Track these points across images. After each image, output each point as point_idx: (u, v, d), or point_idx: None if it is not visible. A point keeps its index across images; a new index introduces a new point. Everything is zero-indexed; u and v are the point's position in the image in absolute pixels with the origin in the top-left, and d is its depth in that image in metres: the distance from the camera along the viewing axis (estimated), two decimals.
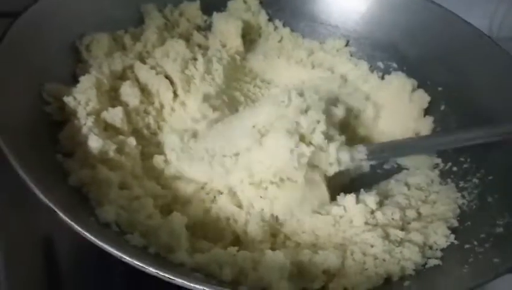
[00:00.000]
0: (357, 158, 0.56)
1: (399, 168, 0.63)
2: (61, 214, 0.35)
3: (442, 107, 0.66)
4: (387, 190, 0.58)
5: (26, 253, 0.51)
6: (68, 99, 0.50)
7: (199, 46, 0.68)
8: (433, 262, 0.47)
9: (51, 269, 0.51)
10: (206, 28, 0.72)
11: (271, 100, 0.55)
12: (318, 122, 0.53)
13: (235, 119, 0.57)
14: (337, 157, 0.53)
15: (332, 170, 0.54)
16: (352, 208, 0.50)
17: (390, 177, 0.62)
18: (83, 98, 0.51)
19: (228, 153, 0.51)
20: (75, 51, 0.59)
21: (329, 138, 0.54)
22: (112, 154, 0.47)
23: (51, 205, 0.35)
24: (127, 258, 0.33)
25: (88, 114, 0.50)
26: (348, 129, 0.64)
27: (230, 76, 0.66)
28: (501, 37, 0.93)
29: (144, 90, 0.58)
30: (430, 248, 0.49)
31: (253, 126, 0.52)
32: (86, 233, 0.34)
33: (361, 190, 0.55)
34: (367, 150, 0.57)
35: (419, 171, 0.61)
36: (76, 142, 0.48)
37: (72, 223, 0.35)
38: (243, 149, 0.51)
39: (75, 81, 0.55)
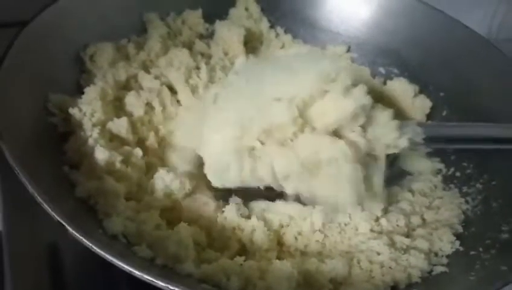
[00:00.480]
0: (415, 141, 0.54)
1: (402, 174, 0.63)
2: (71, 230, 0.35)
3: (444, 113, 0.66)
4: (391, 196, 0.58)
5: (31, 260, 0.51)
6: (73, 111, 0.51)
7: (202, 54, 0.68)
8: (439, 269, 0.47)
9: (55, 276, 0.51)
10: (208, 36, 0.72)
11: (314, 71, 0.50)
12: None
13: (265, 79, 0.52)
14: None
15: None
16: (357, 216, 0.51)
17: (394, 183, 0.63)
18: (88, 109, 0.51)
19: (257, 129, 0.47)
20: (79, 61, 0.60)
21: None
22: (118, 165, 0.48)
23: (61, 220, 0.35)
24: (136, 273, 0.34)
25: (94, 125, 0.50)
26: None
27: None
28: (500, 38, 0.94)
29: (148, 100, 0.58)
30: (436, 254, 0.49)
31: (290, 99, 0.48)
32: (95, 248, 0.34)
33: None
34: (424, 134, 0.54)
35: (423, 176, 0.61)
36: (82, 153, 0.48)
37: (82, 238, 0.35)
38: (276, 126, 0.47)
39: (79, 91, 0.55)
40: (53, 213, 0.36)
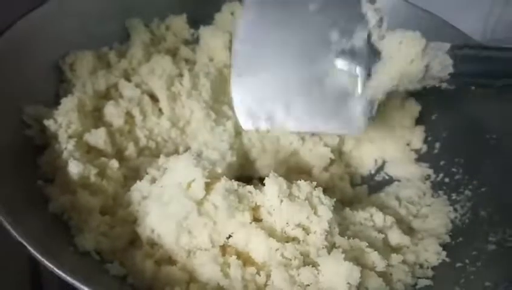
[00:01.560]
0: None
1: (390, 180, 0.62)
2: (31, 250, 0.34)
3: (434, 117, 0.65)
4: (378, 204, 0.57)
5: (12, 272, 0.50)
6: (48, 123, 0.50)
7: (186, 60, 0.67)
8: (423, 282, 0.46)
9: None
10: (194, 42, 0.71)
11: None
12: None
13: None
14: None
15: None
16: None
17: (382, 189, 0.62)
18: (64, 120, 0.50)
19: None
20: (58, 71, 0.58)
21: None
22: (93, 178, 0.46)
23: (20, 239, 0.34)
24: None
25: (69, 137, 0.49)
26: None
27: (218, 90, 0.65)
28: (495, 39, 0.92)
29: (128, 110, 0.57)
30: (421, 266, 0.48)
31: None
32: (54, 268, 0.33)
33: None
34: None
35: (411, 183, 0.60)
36: (56, 167, 0.47)
37: (40, 258, 0.34)
38: None
39: (58, 102, 0.54)
40: (13, 232, 0.35)
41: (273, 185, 0.44)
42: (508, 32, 0.93)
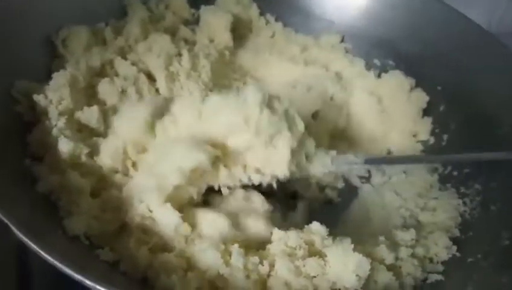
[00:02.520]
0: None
1: (396, 172, 0.60)
2: (14, 229, 0.31)
3: (442, 108, 0.62)
4: (385, 197, 0.54)
5: None
6: (38, 98, 0.46)
7: (185, 41, 0.64)
8: (434, 277, 0.44)
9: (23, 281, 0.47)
10: (194, 22, 0.68)
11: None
12: None
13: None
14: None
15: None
16: None
17: (388, 181, 0.59)
18: (55, 96, 0.47)
19: None
20: (52, 46, 0.55)
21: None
22: (84, 158, 0.43)
23: (4, 219, 0.31)
24: (88, 283, 0.29)
25: (60, 114, 0.46)
26: (340, 132, 0.62)
27: (218, 72, 0.62)
28: (500, 33, 0.90)
29: (124, 88, 0.54)
30: (431, 260, 0.46)
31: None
32: (40, 250, 0.30)
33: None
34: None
35: (417, 175, 0.58)
36: (46, 145, 0.44)
37: (28, 241, 0.31)
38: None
39: (50, 78, 0.51)
40: None
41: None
42: None
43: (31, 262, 0.48)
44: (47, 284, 0.48)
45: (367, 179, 0.60)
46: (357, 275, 0.38)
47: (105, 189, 0.43)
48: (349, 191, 0.59)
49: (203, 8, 0.66)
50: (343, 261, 0.38)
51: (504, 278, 0.39)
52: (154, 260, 0.38)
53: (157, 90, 0.56)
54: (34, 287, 0.48)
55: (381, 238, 0.44)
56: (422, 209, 0.53)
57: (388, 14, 0.68)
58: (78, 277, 0.30)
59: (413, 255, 0.44)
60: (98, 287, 0.29)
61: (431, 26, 0.66)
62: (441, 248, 0.46)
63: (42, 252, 0.30)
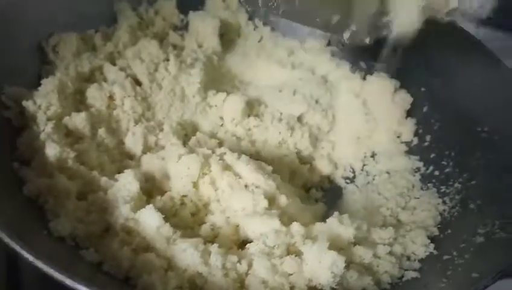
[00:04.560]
0: None
1: (380, 172, 0.61)
2: None
3: (425, 109, 0.64)
4: (367, 197, 0.55)
5: None
6: (27, 104, 0.48)
7: (174, 46, 0.66)
8: (410, 275, 0.45)
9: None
10: (183, 28, 0.69)
11: None
12: None
13: None
14: None
15: None
16: None
17: (371, 181, 0.61)
18: (43, 102, 0.49)
19: None
20: (42, 52, 0.57)
21: None
22: (70, 162, 0.45)
23: None
24: (68, 282, 0.31)
25: (48, 119, 0.48)
26: (324, 134, 0.63)
27: (206, 77, 0.64)
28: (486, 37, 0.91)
29: (111, 93, 0.55)
30: (408, 258, 0.47)
31: None
32: (23, 251, 0.31)
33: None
34: None
35: (400, 175, 0.59)
36: (34, 149, 0.45)
37: (9, 240, 0.32)
38: None
39: (40, 84, 0.52)
40: None
41: None
42: None
43: (22, 270, 0.50)
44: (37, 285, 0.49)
45: (351, 179, 0.62)
46: (332, 273, 0.39)
47: (91, 192, 0.44)
48: (334, 192, 0.60)
49: (191, 13, 0.67)
50: (319, 259, 0.39)
51: (474, 274, 0.40)
52: (136, 260, 0.39)
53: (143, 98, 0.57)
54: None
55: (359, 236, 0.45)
56: (402, 209, 0.54)
57: None
58: (58, 276, 0.31)
59: (390, 253, 0.46)
60: (78, 286, 0.31)
61: None
62: (418, 246, 0.47)
63: (24, 252, 0.31)
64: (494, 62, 0.60)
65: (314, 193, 0.58)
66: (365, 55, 0.69)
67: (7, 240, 0.32)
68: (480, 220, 0.47)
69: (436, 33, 0.64)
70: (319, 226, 0.44)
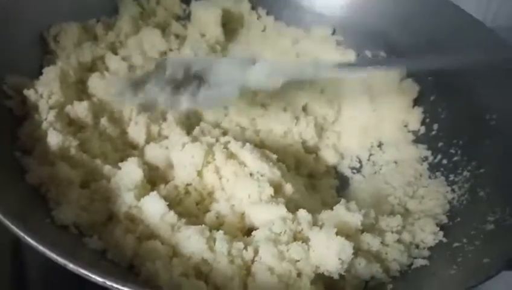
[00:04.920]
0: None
1: (387, 162, 0.60)
2: (2, 218, 0.32)
3: (432, 98, 0.63)
4: (374, 186, 0.55)
5: None
6: (29, 93, 0.47)
7: (177, 36, 0.65)
8: (419, 262, 0.44)
9: (18, 277, 0.48)
10: (185, 18, 0.68)
11: None
12: None
13: None
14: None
15: None
16: None
17: (378, 171, 0.60)
18: (45, 91, 0.48)
19: None
20: (43, 42, 0.56)
21: None
22: (73, 151, 0.44)
23: None
24: (72, 266, 0.30)
25: (50, 108, 0.47)
26: (329, 124, 0.62)
27: None
28: (496, 26, 0.90)
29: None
30: (417, 246, 0.46)
31: None
32: (28, 238, 0.31)
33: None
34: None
35: (407, 164, 0.58)
36: (35, 138, 0.45)
37: (14, 228, 0.31)
38: None
39: (41, 73, 0.52)
40: None
41: None
42: (508, 21, 0.91)
43: (26, 258, 0.49)
44: (42, 281, 0.49)
45: (358, 169, 0.61)
46: (339, 259, 0.38)
47: (94, 180, 0.43)
48: (341, 182, 0.59)
49: (193, 3, 0.67)
50: (326, 245, 0.38)
51: (486, 259, 0.39)
52: (140, 247, 0.39)
53: None
54: (28, 284, 0.48)
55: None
56: (411, 198, 0.53)
57: (379, 5, 0.68)
58: (63, 261, 0.30)
59: (399, 241, 0.45)
60: (82, 271, 0.30)
61: (422, 16, 0.66)
62: (427, 234, 0.46)
63: (29, 239, 0.31)
64: (503, 49, 0.59)
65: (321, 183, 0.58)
66: (372, 44, 0.68)
67: (11, 226, 0.31)
68: (490, 208, 0.46)
69: (444, 22, 0.64)
70: (325, 213, 0.43)
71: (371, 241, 0.43)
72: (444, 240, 0.46)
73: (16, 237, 0.39)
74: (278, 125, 0.59)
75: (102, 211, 0.41)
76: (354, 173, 0.61)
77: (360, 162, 0.62)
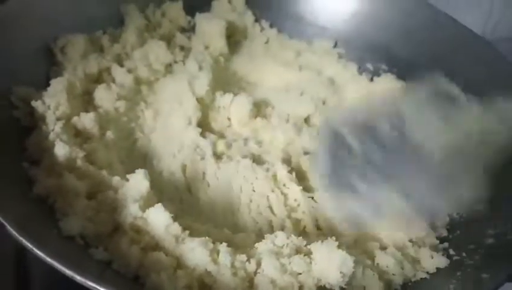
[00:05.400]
0: None
1: None
2: (9, 228, 0.32)
3: None
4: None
5: None
6: (36, 104, 0.48)
7: (181, 48, 0.66)
8: (420, 275, 0.44)
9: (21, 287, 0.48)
10: (190, 30, 0.69)
11: None
12: None
13: None
14: None
15: None
16: None
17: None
18: (52, 102, 0.49)
19: None
20: (50, 54, 0.57)
21: None
22: (79, 162, 0.45)
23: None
24: (79, 278, 0.31)
25: (57, 119, 0.48)
26: None
27: (213, 78, 0.64)
28: (495, 38, 0.91)
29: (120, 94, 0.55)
30: (418, 260, 0.46)
31: None
32: (35, 249, 0.32)
33: None
34: None
35: None
36: (43, 149, 0.45)
37: (20, 238, 0.32)
38: None
39: (48, 85, 0.52)
40: None
41: None
42: (509, 32, 0.92)
43: (30, 268, 0.50)
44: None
45: None
46: (341, 272, 0.39)
47: (100, 191, 0.44)
48: None
49: (198, 15, 0.68)
50: (328, 258, 0.39)
51: (484, 274, 0.39)
52: (145, 258, 0.39)
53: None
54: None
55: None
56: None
57: (381, 18, 0.69)
58: (69, 273, 0.31)
59: (401, 254, 0.45)
60: (90, 284, 0.31)
61: (424, 30, 0.67)
62: (427, 247, 0.47)
63: (36, 250, 0.32)
64: (503, 63, 0.60)
65: None
66: (373, 57, 0.69)
67: (18, 237, 0.32)
68: (490, 222, 0.47)
69: (445, 36, 0.65)
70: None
71: (372, 254, 0.43)
72: (444, 253, 0.47)
73: (19, 246, 0.41)
74: (280, 136, 0.60)
75: (108, 222, 0.42)
76: None
77: None
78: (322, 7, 0.71)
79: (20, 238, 0.32)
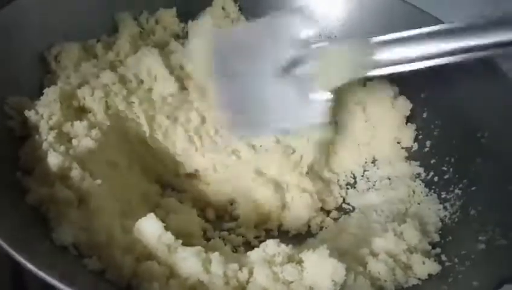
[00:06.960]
0: None
1: (380, 178, 0.61)
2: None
3: (425, 115, 0.64)
4: (368, 203, 0.56)
5: None
6: (29, 114, 0.48)
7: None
8: (411, 281, 0.45)
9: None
10: (184, 37, 0.70)
11: None
12: None
13: None
14: None
15: None
16: None
17: (372, 187, 0.61)
18: (45, 111, 0.49)
19: None
20: (44, 62, 0.57)
21: None
22: (72, 171, 0.45)
23: None
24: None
25: (50, 128, 0.48)
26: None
27: None
28: None
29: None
30: (410, 266, 0.47)
31: None
32: (24, 261, 0.32)
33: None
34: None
35: (401, 181, 0.59)
36: (36, 158, 0.45)
37: (10, 250, 0.32)
38: None
39: (42, 93, 0.53)
40: None
41: None
42: None
43: (27, 279, 0.50)
44: None
45: (352, 185, 0.62)
46: (332, 280, 0.39)
47: (93, 201, 0.44)
48: None
49: (190, 23, 0.68)
50: (320, 266, 0.39)
51: (475, 282, 0.40)
52: (138, 268, 0.39)
53: None
54: None
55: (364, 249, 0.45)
56: (404, 215, 0.54)
57: (371, 23, 0.69)
58: (61, 286, 0.31)
59: (393, 261, 0.46)
60: None
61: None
62: (420, 252, 0.47)
63: (26, 262, 0.32)
64: (493, 69, 0.61)
65: None
66: None
67: (9, 250, 0.32)
68: (481, 227, 0.47)
69: None
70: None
71: (364, 260, 0.43)
72: (436, 258, 0.47)
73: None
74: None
75: (102, 231, 0.42)
76: (348, 188, 0.62)
77: (354, 177, 0.63)
78: (314, 12, 0.71)
79: (12, 251, 0.32)
